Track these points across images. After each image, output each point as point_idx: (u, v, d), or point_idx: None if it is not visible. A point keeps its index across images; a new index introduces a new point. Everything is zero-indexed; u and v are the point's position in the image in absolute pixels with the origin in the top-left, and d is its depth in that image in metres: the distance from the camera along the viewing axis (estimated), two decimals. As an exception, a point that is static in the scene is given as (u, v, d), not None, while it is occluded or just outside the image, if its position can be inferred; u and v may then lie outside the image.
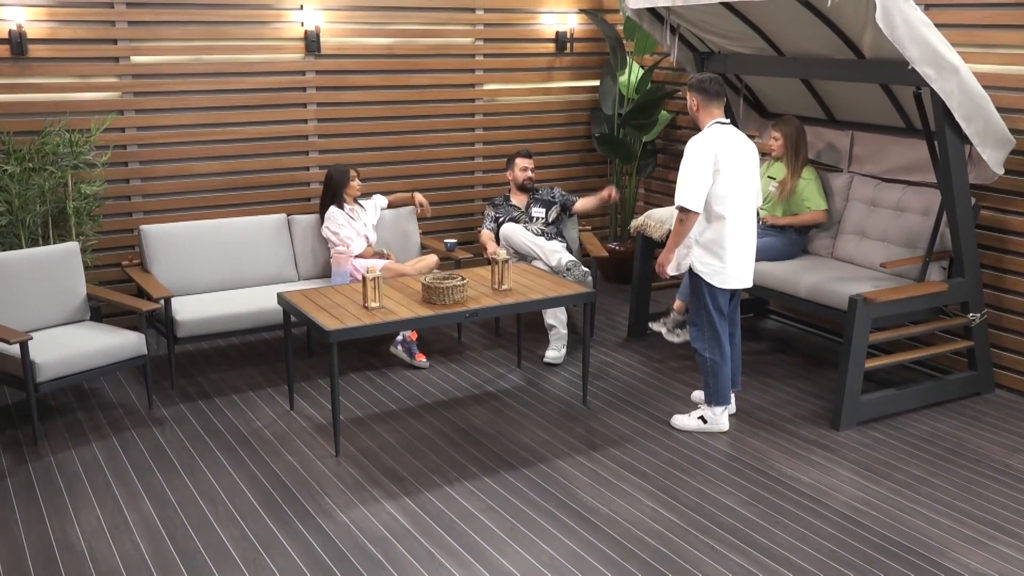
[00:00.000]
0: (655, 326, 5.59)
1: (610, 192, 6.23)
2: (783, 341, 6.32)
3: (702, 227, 4.60)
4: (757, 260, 5.38)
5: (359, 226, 5.95)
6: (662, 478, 4.38)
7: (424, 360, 5.81)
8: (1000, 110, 4.86)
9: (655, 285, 6.43)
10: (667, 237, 6.06)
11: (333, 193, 5.98)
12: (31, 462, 4.51)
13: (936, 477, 4.41)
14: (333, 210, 5.91)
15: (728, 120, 4.60)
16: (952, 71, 4.48)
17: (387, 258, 5.89)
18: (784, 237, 5.72)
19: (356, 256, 5.82)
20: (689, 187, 4.45)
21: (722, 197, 4.52)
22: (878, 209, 5.62)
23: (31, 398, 4.62)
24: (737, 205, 4.56)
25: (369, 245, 5.89)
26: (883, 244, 5.54)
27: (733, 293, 4.78)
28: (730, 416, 5.02)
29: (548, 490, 4.26)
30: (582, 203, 6.38)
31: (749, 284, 4.73)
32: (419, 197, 6.44)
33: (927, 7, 5.44)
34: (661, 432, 4.89)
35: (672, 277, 4.87)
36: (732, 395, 4.97)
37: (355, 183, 5.99)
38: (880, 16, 4.25)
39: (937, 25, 4.48)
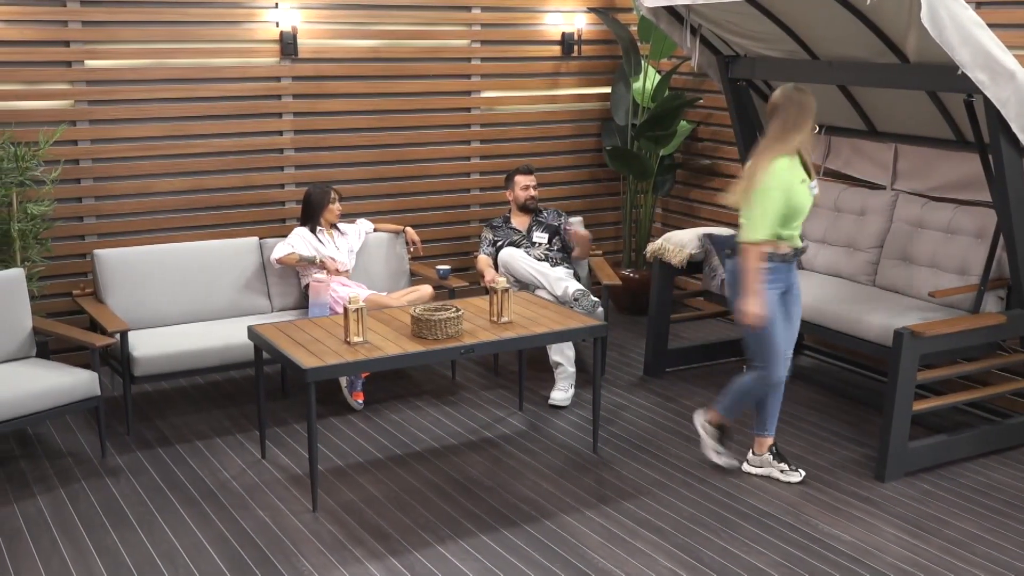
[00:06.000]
0: (721, 460, 5.06)
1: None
2: (819, 380, 6.32)
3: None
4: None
5: (328, 250, 5.99)
6: (682, 535, 4.38)
7: (360, 401, 5.81)
8: (1062, 120, 4.88)
9: (675, 317, 6.44)
10: (687, 262, 6.10)
11: (309, 215, 6.04)
12: (-33, 518, 4.51)
13: (993, 535, 4.41)
14: (300, 229, 6.00)
15: None
16: (1008, 76, 4.50)
17: (323, 269, 5.88)
18: None
19: (279, 261, 5.88)
20: None
21: None
22: (925, 231, 5.64)
23: (-32, 445, 4.63)
24: None
25: (292, 252, 5.90)
26: (931, 270, 5.54)
27: None
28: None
29: (553, 549, 4.25)
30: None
31: None
32: (411, 233, 6.48)
33: (978, 5, 5.48)
34: (681, 483, 4.88)
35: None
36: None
37: (335, 206, 6.05)
38: (926, 16, 4.28)
39: (990, 25, 4.51)
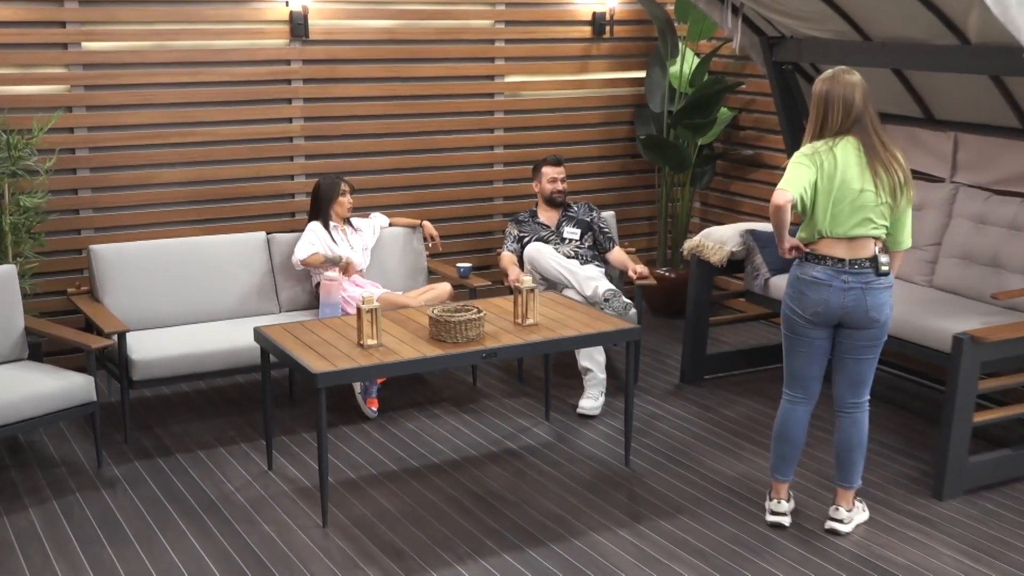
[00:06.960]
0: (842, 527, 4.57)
1: (638, 271, 6.22)
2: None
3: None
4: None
5: (342, 249, 5.98)
6: (723, 557, 4.35)
7: (374, 409, 5.81)
8: None
9: (714, 320, 6.42)
10: (727, 260, 6.04)
11: (318, 209, 6.06)
12: (-47, 532, 4.54)
13: (1064, 559, 4.37)
14: (314, 225, 6.01)
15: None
16: (1078, 59, 4.48)
17: (341, 268, 5.87)
18: None
19: (303, 262, 5.88)
20: None
21: None
22: (988, 227, 5.61)
23: (-46, 454, 4.63)
24: None
25: (316, 253, 5.89)
26: (994, 270, 5.51)
27: None
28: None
29: (582, 570, 4.23)
30: (618, 257, 6.41)
31: None
32: (429, 228, 6.49)
33: (1046, -19, 5.42)
34: (720, 500, 4.85)
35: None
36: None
37: (345, 199, 6.07)
38: (989, -8, 4.28)
39: (1060, 2, 4.48)
